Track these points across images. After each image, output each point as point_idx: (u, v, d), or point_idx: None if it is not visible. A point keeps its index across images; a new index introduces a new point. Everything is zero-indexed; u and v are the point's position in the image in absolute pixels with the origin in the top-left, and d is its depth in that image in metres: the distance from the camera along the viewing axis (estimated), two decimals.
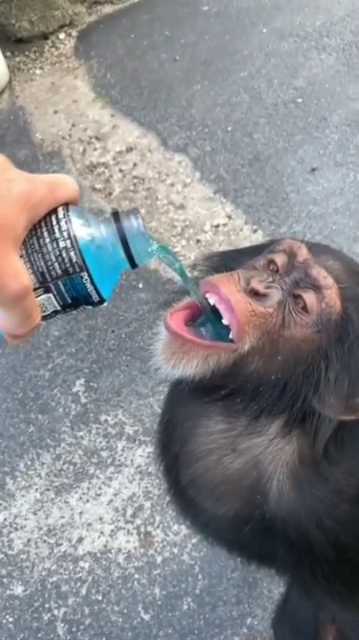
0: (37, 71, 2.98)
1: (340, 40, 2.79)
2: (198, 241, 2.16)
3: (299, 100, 2.57)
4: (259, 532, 0.66)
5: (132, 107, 2.69)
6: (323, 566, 0.65)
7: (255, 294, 0.61)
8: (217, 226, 2.20)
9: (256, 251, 0.72)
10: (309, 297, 0.62)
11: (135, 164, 2.46)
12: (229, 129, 2.52)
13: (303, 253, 0.65)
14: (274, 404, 0.61)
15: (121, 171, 2.44)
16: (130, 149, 2.52)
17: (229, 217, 2.22)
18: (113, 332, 1.97)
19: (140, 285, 2.07)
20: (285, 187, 2.27)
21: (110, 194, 2.37)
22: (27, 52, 3.05)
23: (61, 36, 3.13)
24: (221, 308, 0.60)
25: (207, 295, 0.61)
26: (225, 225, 2.20)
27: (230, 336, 0.61)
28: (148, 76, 2.83)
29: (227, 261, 0.72)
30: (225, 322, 0.61)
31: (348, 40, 2.78)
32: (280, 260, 0.66)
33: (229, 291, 0.60)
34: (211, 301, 0.61)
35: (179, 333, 0.60)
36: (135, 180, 2.40)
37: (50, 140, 2.62)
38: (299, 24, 2.92)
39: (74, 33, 3.14)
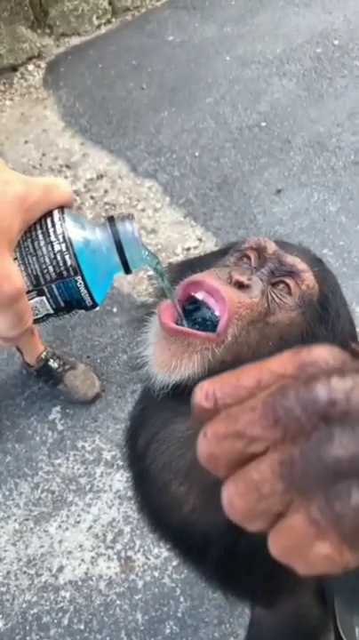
0: (7, 102, 3.02)
1: (300, 66, 2.91)
2: (171, 264, 2.20)
3: (263, 124, 2.66)
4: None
5: (102, 135, 2.75)
6: None
7: (239, 286, 0.63)
8: (188, 249, 2.25)
9: (216, 256, 0.74)
10: (290, 281, 0.65)
11: (106, 191, 2.50)
12: (197, 154, 2.59)
13: (271, 246, 0.69)
14: None
15: (92, 198, 2.49)
16: (100, 176, 2.56)
17: (200, 240, 2.27)
18: (88, 357, 1.98)
19: (114, 310, 2.09)
20: (252, 208, 2.33)
21: None
22: None
23: (30, 67, 3.19)
24: (211, 301, 0.61)
25: (192, 293, 0.62)
26: (196, 248, 2.25)
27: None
28: (117, 104, 2.90)
29: (190, 268, 0.72)
30: (217, 313, 0.61)
31: (308, 66, 2.90)
32: (251, 254, 0.70)
33: (217, 283, 0.62)
34: (200, 296, 0.62)
35: (180, 328, 0.59)
36: (107, 207, 2.44)
37: (21, 170, 2.65)
38: (261, 51, 3.03)
39: (42, 64, 3.21)
